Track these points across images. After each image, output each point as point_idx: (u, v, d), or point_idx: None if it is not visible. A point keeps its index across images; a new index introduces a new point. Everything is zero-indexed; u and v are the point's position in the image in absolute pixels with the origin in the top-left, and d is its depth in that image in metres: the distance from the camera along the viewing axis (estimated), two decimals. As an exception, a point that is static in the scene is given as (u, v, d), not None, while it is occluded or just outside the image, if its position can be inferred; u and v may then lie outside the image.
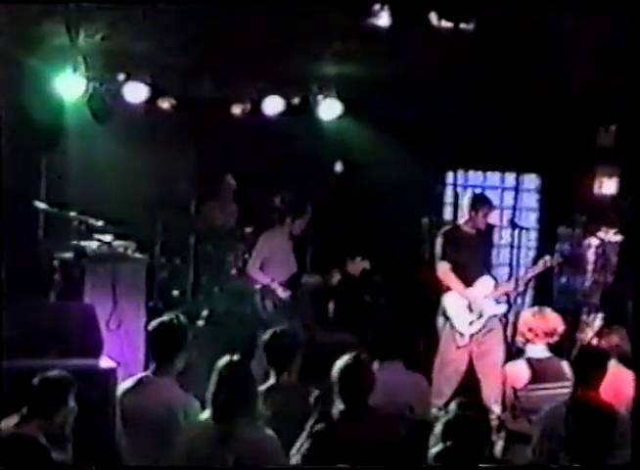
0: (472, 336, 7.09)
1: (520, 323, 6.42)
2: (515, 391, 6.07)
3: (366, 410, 4.57)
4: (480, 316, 7.11)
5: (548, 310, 6.45)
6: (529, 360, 6.18)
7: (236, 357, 4.46)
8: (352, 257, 7.40)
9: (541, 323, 6.30)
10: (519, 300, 7.34)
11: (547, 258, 7.25)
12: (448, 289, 7.15)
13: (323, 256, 8.41)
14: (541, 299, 8.24)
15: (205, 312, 8.40)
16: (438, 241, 7.16)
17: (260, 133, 8.73)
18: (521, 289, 7.22)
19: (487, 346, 7.07)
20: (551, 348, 6.33)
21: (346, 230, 8.88)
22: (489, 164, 9.54)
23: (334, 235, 8.76)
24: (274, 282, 7.39)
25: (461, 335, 7.10)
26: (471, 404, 4.45)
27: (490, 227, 7.52)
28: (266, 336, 5.08)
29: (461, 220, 7.33)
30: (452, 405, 4.46)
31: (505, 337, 6.95)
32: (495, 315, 7.15)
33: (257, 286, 7.49)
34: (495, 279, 7.30)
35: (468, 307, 7.11)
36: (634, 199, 7.12)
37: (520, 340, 6.39)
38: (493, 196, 9.19)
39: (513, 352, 6.72)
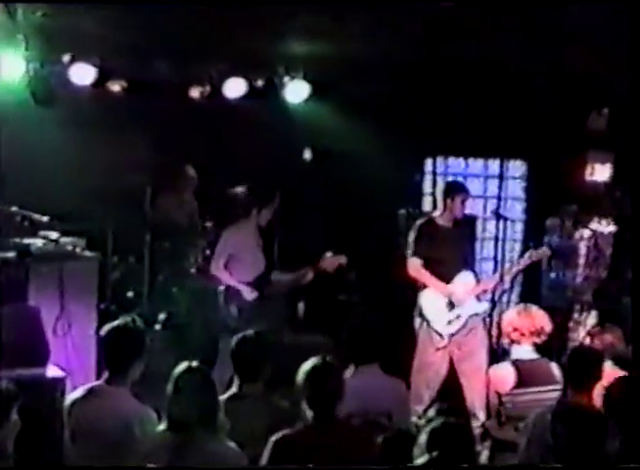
0: (451, 336, 7.12)
1: (504, 322, 6.48)
2: (499, 396, 6.11)
3: (335, 418, 4.59)
4: (460, 315, 7.16)
5: (534, 308, 6.50)
6: (515, 363, 6.23)
7: (194, 364, 4.46)
8: (326, 252, 7.37)
9: (527, 322, 6.35)
10: (504, 297, 7.57)
11: (532, 251, 7.32)
12: (425, 286, 7.19)
13: (292, 251, 8.37)
14: (529, 296, 8.31)
15: (162, 315, 8.41)
16: (410, 236, 7.22)
17: (221, 118, 8.70)
18: (506, 286, 7.30)
19: (469, 347, 7.11)
20: (538, 349, 6.38)
21: (316, 223, 8.89)
22: (471, 151, 9.57)
23: (303, 229, 8.77)
24: (240, 283, 7.36)
25: (439, 335, 7.14)
26: (451, 410, 4.47)
27: (469, 218, 7.55)
28: (234, 341, 5.08)
29: (436, 212, 7.36)
30: (431, 412, 4.48)
31: (489, 337, 7.02)
32: (477, 314, 7.20)
33: (221, 287, 7.45)
34: (476, 275, 7.35)
35: (446, 306, 7.16)
36: (633, 189, 7.16)
37: (504, 340, 6.43)
38: (476, 185, 9.44)
39: (498, 354, 6.79)
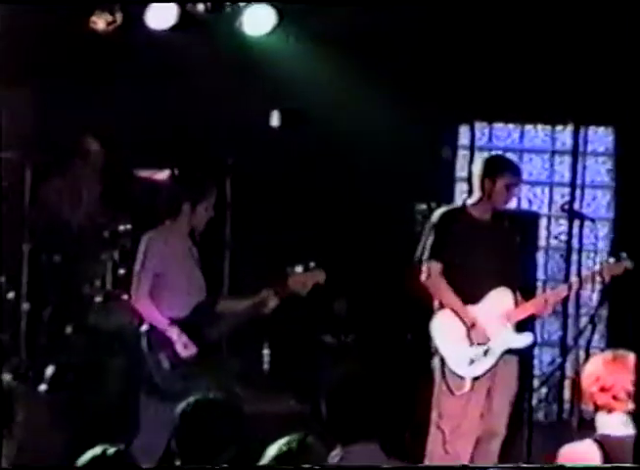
0: (474, 381, 7.30)
1: (585, 379, 6.23)
2: (579, 489, 5.99)
3: None
4: (489, 351, 7.34)
5: (631, 357, 6.29)
6: (602, 440, 5.99)
7: (111, 450, 4.40)
8: (297, 265, 7.27)
9: (620, 378, 6.14)
10: (581, 339, 7.50)
11: (605, 263, 7.36)
12: (441, 306, 7.37)
13: (249, 266, 8.39)
14: (620, 338, 8.11)
15: (50, 370, 8.47)
16: (429, 229, 7.39)
17: (139, 62, 8.76)
18: (585, 316, 7.37)
19: (498, 403, 7.34)
20: (637, 419, 6.13)
21: (287, 223, 8.92)
22: (528, 113, 9.49)
23: (266, 232, 8.81)
24: (173, 326, 7.33)
25: (459, 378, 7.31)
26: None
27: (522, 214, 7.73)
28: (181, 408, 4.97)
29: (470, 200, 7.55)
30: None
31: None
32: (513, 351, 7.43)
33: (145, 327, 7.40)
34: (515, 291, 7.47)
35: (467, 336, 7.31)
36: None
37: (586, 405, 6.21)
38: (537, 165, 9.70)
39: (573, 426, 6.96)
